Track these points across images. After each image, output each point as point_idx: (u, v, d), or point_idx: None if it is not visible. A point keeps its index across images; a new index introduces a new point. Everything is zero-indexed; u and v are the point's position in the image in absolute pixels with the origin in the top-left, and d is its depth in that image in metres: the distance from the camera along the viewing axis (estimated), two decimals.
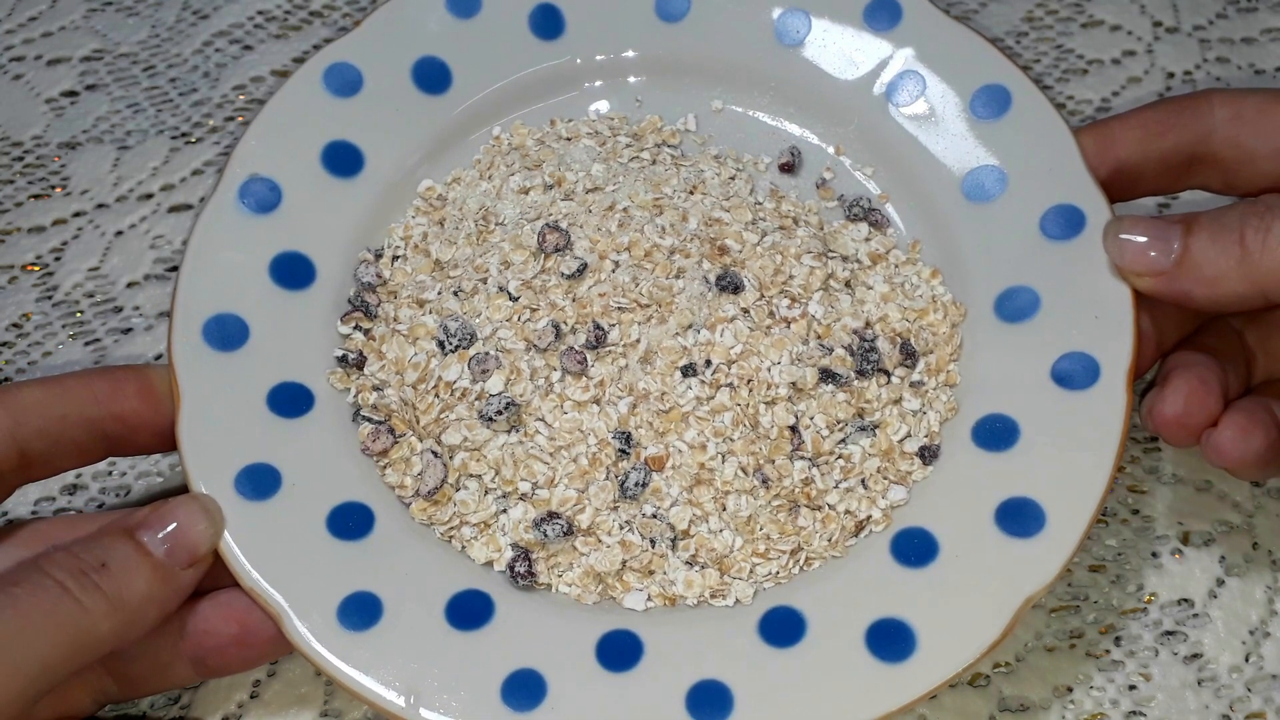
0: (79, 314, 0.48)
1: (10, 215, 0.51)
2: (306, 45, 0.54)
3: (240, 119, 0.52)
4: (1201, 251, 0.37)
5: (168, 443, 0.38)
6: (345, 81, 0.44)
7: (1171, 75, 0.52)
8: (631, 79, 0.46)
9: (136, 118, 0.53)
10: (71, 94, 0.54)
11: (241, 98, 0.53)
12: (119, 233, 0.50)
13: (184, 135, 0.52)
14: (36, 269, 0.49)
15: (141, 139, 0.52)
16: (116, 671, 0.37)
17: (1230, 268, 0.36)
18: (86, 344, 0.47)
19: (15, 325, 0.48)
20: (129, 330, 0.47)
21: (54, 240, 0.50)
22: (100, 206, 0.51)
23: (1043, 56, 0.53)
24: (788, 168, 0.45)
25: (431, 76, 0.45)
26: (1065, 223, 0.41)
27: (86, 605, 0.33)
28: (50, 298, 0.49)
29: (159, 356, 0.47)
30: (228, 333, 0.40)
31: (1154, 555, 0.42)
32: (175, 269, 0.47)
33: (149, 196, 0.51)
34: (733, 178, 0.44)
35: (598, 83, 0.46)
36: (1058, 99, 0.51)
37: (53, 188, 0.51)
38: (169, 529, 0.35)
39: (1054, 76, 0.52)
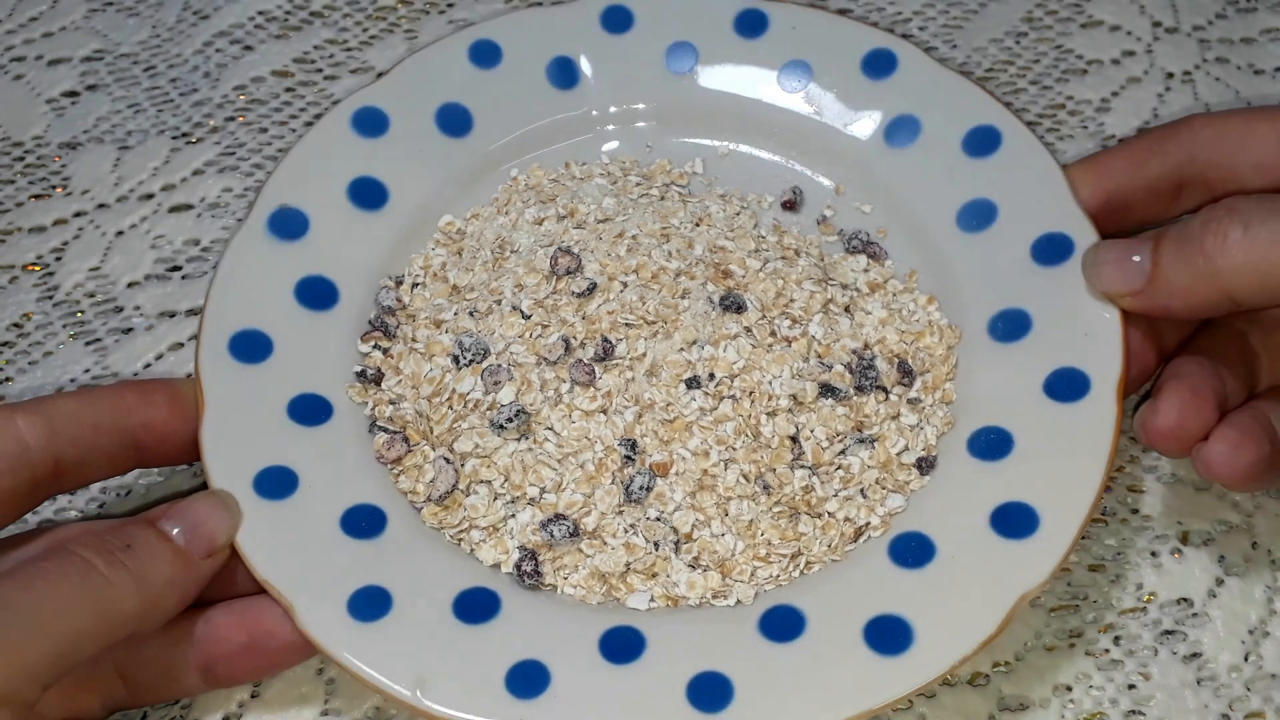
0: (80, 314, 0.48)
1: (11, 215, 0.50)
2: (307, 46, 0.55)
3: (241, 119, 0.52)
4: (1170, 265, 0.37)
5: (195, 452, 0.39)
6: (372, 123, 0.47)
7: (1171, 75, 0.52)
8: (642, 124, 0.49)
9: (137, 118, 0.53)
10: (72, 94, 0.54)
11: (242, 98, 0.53)
12: (120, 233, 0.50)
13: (185, 135, 0.52)
14: (37, 269, 0.49)
15: (142, 139, 0.52)
16: (126, 675, 0.37)
17: (1197, 277, 0.36)
18: (87, 344, 0.47)
19: (16, 325, 0.48)
20: (129, 330, 0.47)
21: (54, 240, 0.50)
22: (101, 206, 0.51)
23: (1042, 57, 0.53)
24: (790, 205, 0.47)
25: (454, 121, 0.48)
26: (1054, 249, 0.42)
27: (113, 580, 0.34)
28: (51, 298, 0.48)
29: (160, 357, 0.47)
30: (253, 347, 0.41)
31: (1153, 554, 0.42)
32: (176, 269, 0.49)
33: (150, 196, 0.51)
34: (738, 213, 0.46)
35: (609, 127, 0.49)
36: (1057, 99, 0.52)
37: (53, 188, 0.51)
38: (189, 519, 0.36)
39: (1053, 77, 0.52)
